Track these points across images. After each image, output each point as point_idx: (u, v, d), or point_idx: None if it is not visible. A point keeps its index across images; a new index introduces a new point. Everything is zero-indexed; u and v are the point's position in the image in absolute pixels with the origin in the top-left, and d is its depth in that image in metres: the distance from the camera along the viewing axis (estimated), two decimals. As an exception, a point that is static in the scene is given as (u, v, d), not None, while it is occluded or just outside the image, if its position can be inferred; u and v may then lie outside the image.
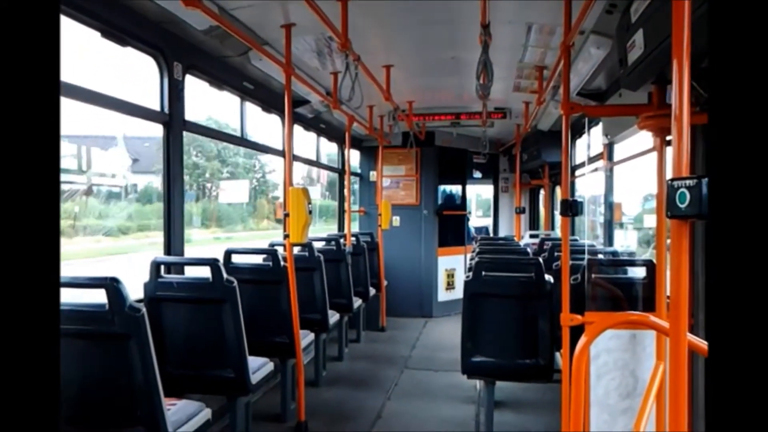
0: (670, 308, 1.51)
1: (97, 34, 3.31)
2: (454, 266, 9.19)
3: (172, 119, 3.86)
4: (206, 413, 3.02)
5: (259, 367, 3.73)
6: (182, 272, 3.96)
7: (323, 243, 6.53)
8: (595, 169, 5.61)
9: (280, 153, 5.76)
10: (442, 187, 9.31)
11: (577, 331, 2.86)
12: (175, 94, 3.88)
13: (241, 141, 5.20)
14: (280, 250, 4.59)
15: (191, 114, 4.10)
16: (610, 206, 5.41)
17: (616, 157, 5.15)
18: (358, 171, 9.09)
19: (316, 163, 7.59)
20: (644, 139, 3.82)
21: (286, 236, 4.05)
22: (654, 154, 2.93)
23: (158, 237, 4.07)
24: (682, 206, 1.38)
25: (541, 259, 4.13)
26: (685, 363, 1.48)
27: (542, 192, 9.51)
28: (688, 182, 1.37)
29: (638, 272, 3.75)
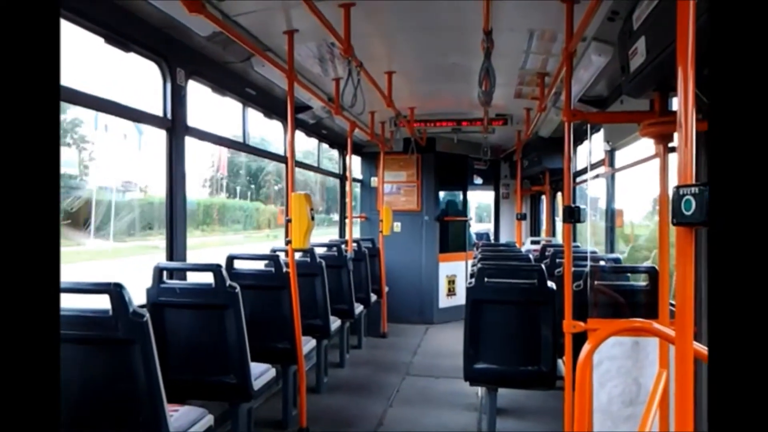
0: (676, 316, 1.51)
1: (101, 40, 3.33)
2: (455, 272, 9.19)
3: (175, 124, 3.87)
4: (208, 419, 3.01)
5: (261, 373, 3.72)
6: (185, 278, 3.96)
7: (325, 249, 6.53)
8: (596, 176, 5.62)
9: (282, 159, 5.77)
10: (443, 193, 9.32)
11: (579, 338, 2.85)
12: (178, 99, 3.89)
13: (244, 147, 5.21)
14: (282, 255, 4.59)
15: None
16: (611, 213, 5.40)
17: (619, 164, 5.15)
18: (360, 177, 9.10)
19: (316, 169, 7.60)
20: (647, 146, 3.83)
21: (288, 242, 4.06)
22: (656, 161, 2.94)
23: None
24: (688, 213, 1.37)
25: (543, 266, 4.13)
26: (691, 371, 1.47)
27: (543, 198, 9.51)
28: (693, 189, 1.37)
29: (641, 279, 3.75)
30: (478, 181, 10.02)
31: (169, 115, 3.85)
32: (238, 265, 4.57)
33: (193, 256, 4.21)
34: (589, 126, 5.17)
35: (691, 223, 1.38)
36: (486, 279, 4.07)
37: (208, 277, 3.52)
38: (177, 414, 2.84)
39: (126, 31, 3.43)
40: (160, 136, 3.91)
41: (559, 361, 3.97)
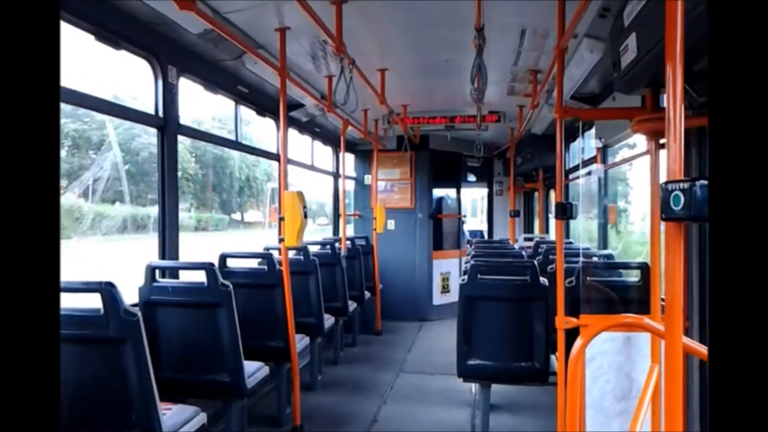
0: (665, 310, 1.52)
1: (91, 37, 3.31)
2: (449, 270, 9.20)
3: (167, 123, 3.86)
4: (201, 418, 3.01)
5: (254, 371, 3.72)
6: (177, 276, 3.94)
7: (318, 247, 6.52)
8: (589, 173, 5.63)
9: (275, 157, 5.76)
10: (436, 191, 9.33)
11: (572, 334, 2.86)
12: (170, 97, 3.88)
13: (236, 145, 5.20)
14: (275, 254, 4.58)
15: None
16: (604, 209, 5.42)
17: (614, 160, 5.17)
18: (353, 175, 9.10)
19: (311, 167, 7.59)
20: (640, 142, 3.84)
21: (281, 240, 4.05)
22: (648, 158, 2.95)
23: None
24: (677, 209, 1.38)
25: (536, 262, 4.14)
26: (680, 365, 1.48)
27: (537, 195, 9.53)
28: (682, 185, 1.37)
29: (633, 275, 3.76)
30: (472, 178, 10.02)
31: (160, 113, 3.83)
32: (231, 263, 4.56)
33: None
34: (581, 123, 5.18)
35: (680, 218, 1.39)
36: (479, 276, 4.07)
37: (200, 276, 3.51)
38: (170, 413, 2.84)
39: (117, 28, 3.41)
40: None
41: (552, 356, 3.98)
